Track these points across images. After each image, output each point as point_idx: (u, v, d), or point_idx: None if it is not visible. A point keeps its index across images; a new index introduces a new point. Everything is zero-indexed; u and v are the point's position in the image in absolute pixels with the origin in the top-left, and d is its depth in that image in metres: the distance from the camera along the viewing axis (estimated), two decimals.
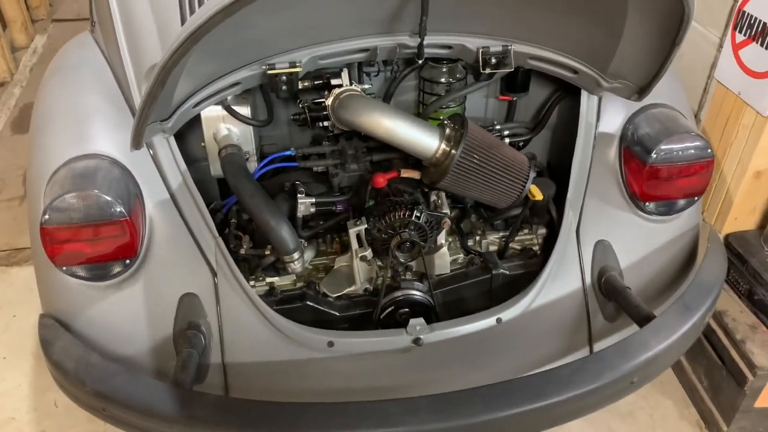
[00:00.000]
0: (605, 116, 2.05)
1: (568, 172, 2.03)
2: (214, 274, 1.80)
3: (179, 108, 1.77)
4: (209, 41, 1.38)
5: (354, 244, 1.93)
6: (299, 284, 2.02)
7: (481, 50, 1.97)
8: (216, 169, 2.04)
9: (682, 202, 2.01)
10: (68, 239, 1.66)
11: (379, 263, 1.99)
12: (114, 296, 1.76)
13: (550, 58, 1.98)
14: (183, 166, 1.84)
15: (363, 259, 1.93)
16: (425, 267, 1.97)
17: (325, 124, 2.08)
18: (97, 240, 1.68)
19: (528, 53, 1.99)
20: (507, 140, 2.20)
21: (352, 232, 1.92)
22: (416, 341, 1.80)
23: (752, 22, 2.23)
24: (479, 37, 1.96)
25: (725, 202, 2.45)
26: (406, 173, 2.00)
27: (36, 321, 1.81)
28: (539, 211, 2.09)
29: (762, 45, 2.19)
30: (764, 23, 2.17)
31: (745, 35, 2.27)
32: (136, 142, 1.66)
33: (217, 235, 1.83)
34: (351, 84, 2.02)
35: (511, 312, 1.88)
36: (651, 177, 1.93)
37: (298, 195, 1.98)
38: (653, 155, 1.90)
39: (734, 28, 2.32)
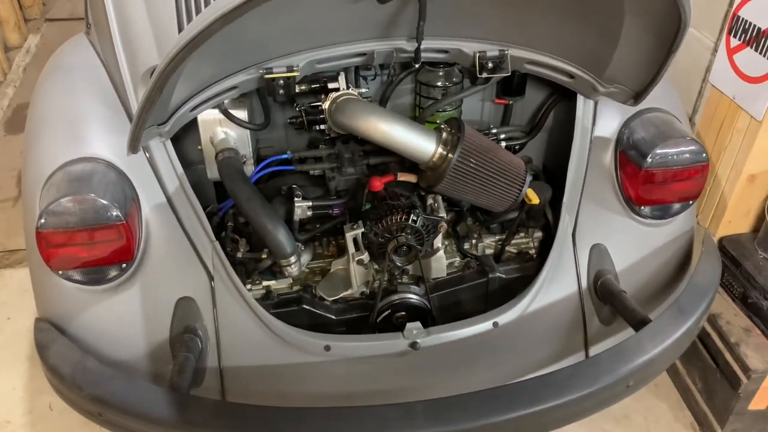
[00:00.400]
0: (601, 120, 2.06)
1: (564, 175, 2.04)
2: (211, 277, 1.80)
3: (176, 112, 1.77)
4: (207, 46, 1.38)
5: (351, 248, 1.93)
6: (296, 288, 2.02)
7: (477, 54, 1.97)
8: (213, 173, 2.04)
9: (677, 206, 2.02)
10: (64, 243, 1.66)
11: (376, 266, 1.99)
12: (110, 300, 1.76)
13: (546, 62, 1.99)
14: (180, 169, 1.83)
15: (360, 262, 1.94)
16: (422, 270, 1.97)
17: (322, 127, 2.08)
18: (93, 244, 1.67)
19: (525, 58, 1.99)
20: (503, 144, 2.21)
21: (349, 235, 1.92)
22: (413, 345, 1.80)
23: (747, 27, 2.24)
24: (476, 41, 1.96)
25: (719, 206, 2.46)
26: (402, 177, 2.00)
27: (30, 323, 1.81)
28: (535, 214, 2.10)
29: (756, 50, 2.21)
30: (759, 28, 2.19)
31: (739, 40, 2.29)
32: (133, 147, 1.66)
33: (213, 238, 1.83)
34: (348, 88, 2.02)
35: (507, 316, 1.88)
36: (646, 181, 1.94)
37: (295, 198, 1.98)
38: (649, 159, 1.91)
39: (729, 33, 2.33)
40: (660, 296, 2.07)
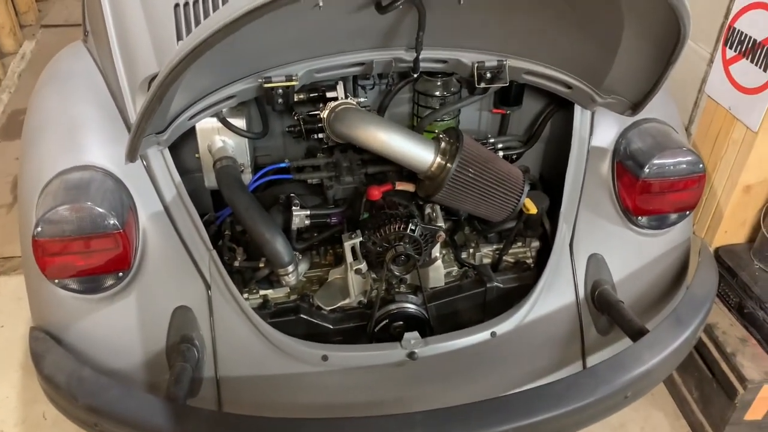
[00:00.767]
0: (598, 130, 2.07)
1: (561, 184, 2.04)
2: (208, 286, 1.79)
3: (175, 121, 1.76)
4: (207, 55, 1.37)
5: (349, 257, 1.93)
6: (293, 297, 2.01)
7: (476, 65, 1.97)
8: (210, 181, 2.03)
9: (674, 216, 2.02)
10: (60, 252, 1.65)
11: (374, 276, 1.99)
12: (106, 309, 1.75)
13: (544, 73, 1.99)
14: (177, 178, 1.83)
15: (358, 272, 1.93)
16: (420, 280, 1.97)
17: (320, 136, 2.08)
18: (90, 253, 1.66)
19: (523, 68, 2.00)
20: (500, 153, 2.21)
21: (347, 245, 1.91)
22: (411, 355, 1.80)
23: (742, 38, 2.26)
24: (475, 51, 1.97)
25: (715, 216, 2.47)
26: (401, 186, 2.00)
27: (24, 332, 1.81)
28: (533, 224, 2.10)
29: (752, 61, 2.22)
30: (754, 40, 2.20)
31: (735, 51, 2.30)
32: (132, 156, 1.65)
33: (210, 247, 1.82)
34: (346, 97, 2.02)
35: (505, 326, 1.88)
36: (643, 191, 1.94)
37: (293, 207, 1.97)
38: (646, 170, 1.91)
39: (725, 44, 2.35)
40: (657, 306, 2.07)
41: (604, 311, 1.93)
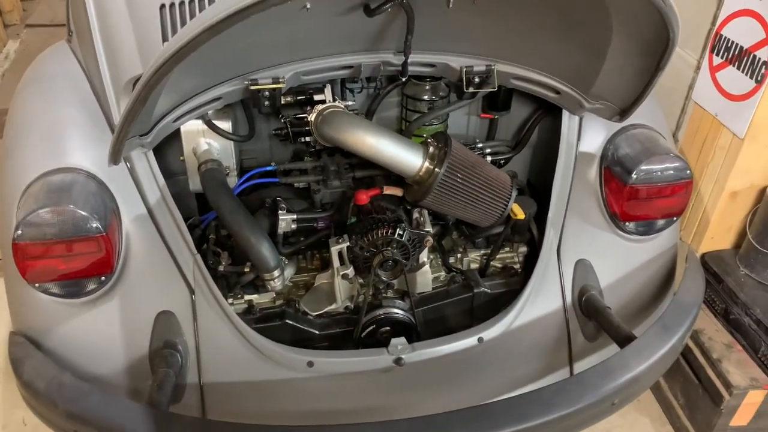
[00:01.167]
0: (586, 136, 2.07)
1: (548, 190, 2.04)
2: (192, 291, 1.76)
3: (159, 123, 1.74)
4: (192, 56, 1.35)
5: (336, 262, 1.91)
6: (279, 302, 1.99)
7: (464, 69, 1.97)
8: (195, 184, 2.01)
9: (661, 222, 2.03)
10: (41, 255, 1.62)
11: (361, 281, 1.97)
12: (88, 314, 1.72)
13: (533, 78, 1.99)
14: (161, 180, 1.80)
15: (344, 277, 1.91)
16: (407, 285, 1.95)
17: (307, 139, 2.07)
18: (72, 256, 1.64)
19: (511, 73, 1.99)
20: (488, 158, 2.21)
21: (334, 249, 1.89)
22: (397, 361, 1.78)
23: (729, 45, 2.27)
24: (463, 56, 1.96)
25: (702, 222, 2.48)
26: (388, 190, 1.99)
27: (4, 336, 1.76)
28: (520, 229, 2.09)
29: (738, 68, 2.24)
30: (741, 47, 2.22)
31: (722, 58, 2.31)
32: (115, 158, 1.62)
33: (195, 251, 1.79)
34: (334, 100, 2.00)
35: (492, 331, 1.87)
36: (631, 197, 1.94)
37: (279, 211, 1.95)
38: (633, 176, 1.91)
39: (711, 51, 2.36)
40: (644, 312, 2.08)
41: (591, 317, 1.93)
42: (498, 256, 2.15)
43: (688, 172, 1.95)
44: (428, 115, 2.14)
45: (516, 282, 2.05)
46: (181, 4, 1.81)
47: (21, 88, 2.01)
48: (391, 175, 2.01)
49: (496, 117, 2.28)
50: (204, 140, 1.99)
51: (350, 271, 1.91)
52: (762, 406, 2.19)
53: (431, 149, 1.88)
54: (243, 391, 1.77)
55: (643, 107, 1.85)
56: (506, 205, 1.93)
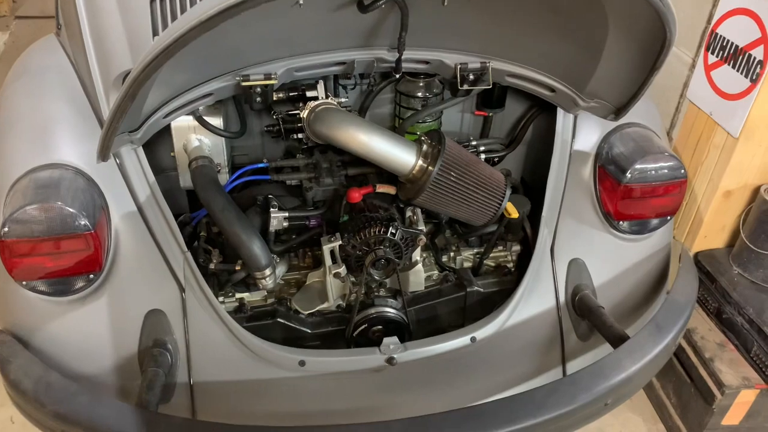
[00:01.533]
0: (580, 134, 2.06)
1: (542, 188, 2.03)
2: (182, 289, 1.75)
3: (149, 119, 1.71)
4: (183, 52, 1.33)
5: (327, 261, 1.89)
6: (270, 300, 1.98)
7: (459, 66, 1.95)
8: (186, 181, 1.99)
9: (655, 221, 2.02)
10: (29, 253, 1.59)
11: (353, 279, 1.95)
12: (76, 312, 1.70)
13: (528, 75, 1.97)
14: (151, 177, 1.78)
15: (337, 275, 1.89)
16: (399, 284, 1.94)
17: (300, 136, 2.04)
18: (60, 254, 1.61)
19: (506, 70, 1.98)
20: (482, 156, 2.19)
21: (326, 248, 1.88)
22: (390, 361, 1.77)
23: (724, 44, 2.26)
24: (457, 53, 1.95)
25: (695, 221, 2.48)
26: (381, 188, 1.97)
27: None
28: (514, 228, 2.08)
29: (733, 67, 2.23)
30: (736, 45, 2.21)
31: (717, 57, 2.30)
32: (103, 154, 1.60)
33: (185, 249, 1.77)
34: (327, 97, 1.98)
35: (485, 331, 1.86)
36: (625, 196, 1.93)
37: (271, 209, 1.93)
38: (628, 175, 1.90)
39: (707, 49, 2.35)
40: (637, 312, 2.07)
41: (584, 316, 1.92)
42: (491, 255, 2.14)
43: (683, 171, 1.94)
44: (422, 113, 2.12)
45: (509, 281, 2.04)
46: None
47: (8, 82, 1.98)
48: (384, 173, 1.99)
49: (491, 114, 2.26)
50: (195, 137, 1.96)
51: (342, 269, 1.89)
52: (753, 405, 2.19)
53: (425, 147, 1.87)
54: (234, 391, 1.76)
55: (637, 106, 1.84)
56: (500, 204, 1.92)
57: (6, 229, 1.55)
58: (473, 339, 1.85)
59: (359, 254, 1.86)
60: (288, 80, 1.92)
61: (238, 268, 1.88)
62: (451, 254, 2.14)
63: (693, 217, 2.49)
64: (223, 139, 2.00)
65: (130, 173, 1.77)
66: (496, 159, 2.28)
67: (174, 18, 1.76)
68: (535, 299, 1.93)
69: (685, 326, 1.89)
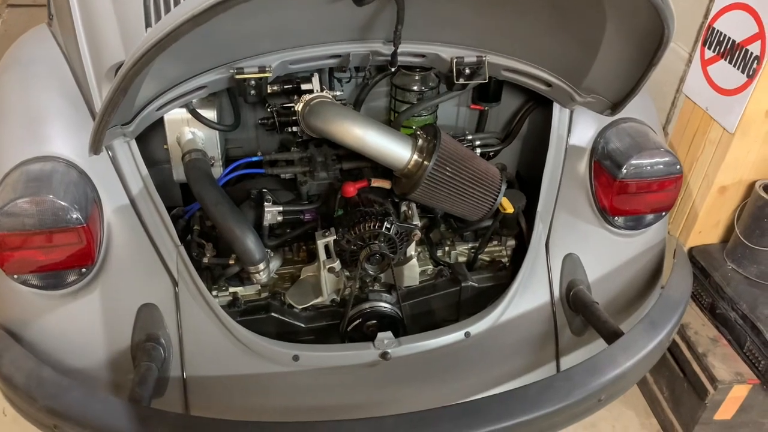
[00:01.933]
0: (576, 129, 2.05)
1: (538, 183, 2.02)
2: (175, 283, 1.73)
3: (141, 111, 1.70)
4: (176, 44, 1.31)
5: (322, 255, 1.88)
6: (264, 294, 1.97)
7: (455, 60, 1.94)
8: (179, 174, 1.97)
9: (650, 216, 2.02)
10: (20, 246, 1.58)
11: (347, 274, 1.95)
12: (68, 306, 1.68)
13: (524, 70, 1.96)
14: (144, 170, 1.77)
15: (331, 270, 1.89)
16: (394, 279, 1.93)
17: (294, 129, 2.03)
18: (52, 247, 1.60)
19: (502, 65, 1.97)
20: (478, 150, 2.18)
21: (321, 242, 1.87)
22: (384, 355, 1.76)
23: (721, 39, 2.26)
24: (454, 46, 1.93)
25: (690, 216, 2.48)
26: (376, 183, 1.96)
27: None
28: (509, 223, 2.08)
29: (730, 62, 2.22)
30: (733, 41, 2.20)
31: (714, 52, 2.30)
32: (96, 148, 1.58)
33: (178, 242, 1.76)
34: (322, 90, 1.97)
35: (479, 326, 1.86)
36: (620, 192, 1.93)
37: (265, 203, 1.92)
38: (623, 170, 1.90)
39: (704, 44, 2.34)
40: (631, 307, 2.07)
41: (578, 312, 1.92)
42: (486, 250, 2.14)
43: (678, 167, 1.94)
44: (417, 106, 2.10)
45: (504, 276, 2.04)
46: None
47: None
48: (379, 168, 1.98)
49: (486, 109, 2.25)
50: (188, 129, 1.94)
51: (337, 264, 1.88)
52: (746, 400, 2.20)
53: (420, 142, 1.86)
54: (227, 385, 1.75)
55: (634, 100, 1.83)
56: (495, 199, 1.91)
57: None
58: (467, 334, 1.84)
59: (354, 249, 1.85)
60: (282, 73, 1.91)
61: (231, 262, 1.87)
62: (446, 249, 2.13)
63: (688, 212, 2.49)
64: (217, 132, 1.98)
65: (122, 166, 1.75)
66: (491, 153, 2.27)
67: (168, 9, 1.74)
68: (530, 294, 1.93)
69: (680, 322, 1.89)
